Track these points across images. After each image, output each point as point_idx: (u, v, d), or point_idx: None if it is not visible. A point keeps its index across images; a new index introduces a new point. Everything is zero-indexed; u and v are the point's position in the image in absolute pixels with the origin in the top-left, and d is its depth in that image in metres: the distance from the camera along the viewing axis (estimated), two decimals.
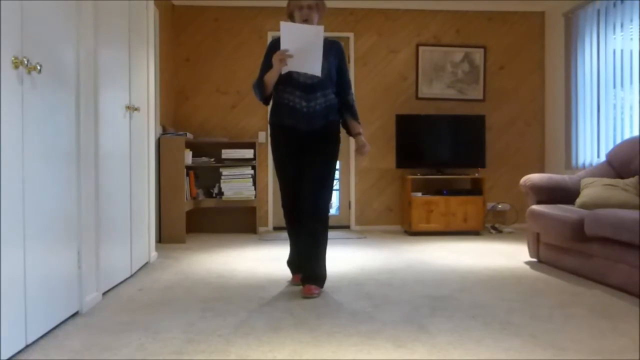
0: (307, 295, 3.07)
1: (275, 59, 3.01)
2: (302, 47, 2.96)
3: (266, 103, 3.29)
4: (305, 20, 3.09)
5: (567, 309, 2.82)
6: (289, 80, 3.13)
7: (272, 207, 6.12)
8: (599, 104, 5.27)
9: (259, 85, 3.18)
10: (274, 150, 3.26)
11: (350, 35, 6.11)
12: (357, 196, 6.15)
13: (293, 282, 3.41)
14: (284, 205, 3.32)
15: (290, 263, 3.46)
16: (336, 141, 3.23)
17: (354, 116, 3.29)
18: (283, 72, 3.08)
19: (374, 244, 5.06)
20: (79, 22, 2.71)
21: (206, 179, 5.90)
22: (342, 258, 4.33)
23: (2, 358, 1.98)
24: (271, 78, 3.12)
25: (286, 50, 2.97)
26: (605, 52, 5.16)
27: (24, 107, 2.14)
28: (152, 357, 2.13)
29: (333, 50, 3.21)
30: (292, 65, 3.02)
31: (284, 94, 3.16)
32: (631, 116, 4.82)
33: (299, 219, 3.21)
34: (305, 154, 3.20)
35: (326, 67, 3.13)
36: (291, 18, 3.21)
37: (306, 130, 3.15)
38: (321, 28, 2.96)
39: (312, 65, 2.99)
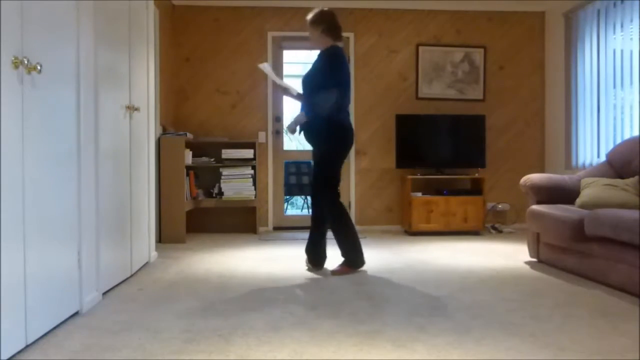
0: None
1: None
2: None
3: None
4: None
5: (567, 309, 2.82)
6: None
7: (272, 207, 6.12)
8: (599, 104, 5.27)
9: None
10: (347, 148, 3.79)
11: (351, 35, 6.10)
12: (357, 196, 6.15)
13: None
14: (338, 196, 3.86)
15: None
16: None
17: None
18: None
19: (374, 244, 5.06)
20: (79, 22, 2.71)
21: (206, 179, 5.90)
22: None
23: (2, 358, 1.98)
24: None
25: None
26: (605, 52, 5.16)
27: (24, 107, 2.14)
28: (152, 357, 2.13)
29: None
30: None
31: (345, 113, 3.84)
32: (631, 116, 4.82)
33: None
34: None
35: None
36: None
37: None
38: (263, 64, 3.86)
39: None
